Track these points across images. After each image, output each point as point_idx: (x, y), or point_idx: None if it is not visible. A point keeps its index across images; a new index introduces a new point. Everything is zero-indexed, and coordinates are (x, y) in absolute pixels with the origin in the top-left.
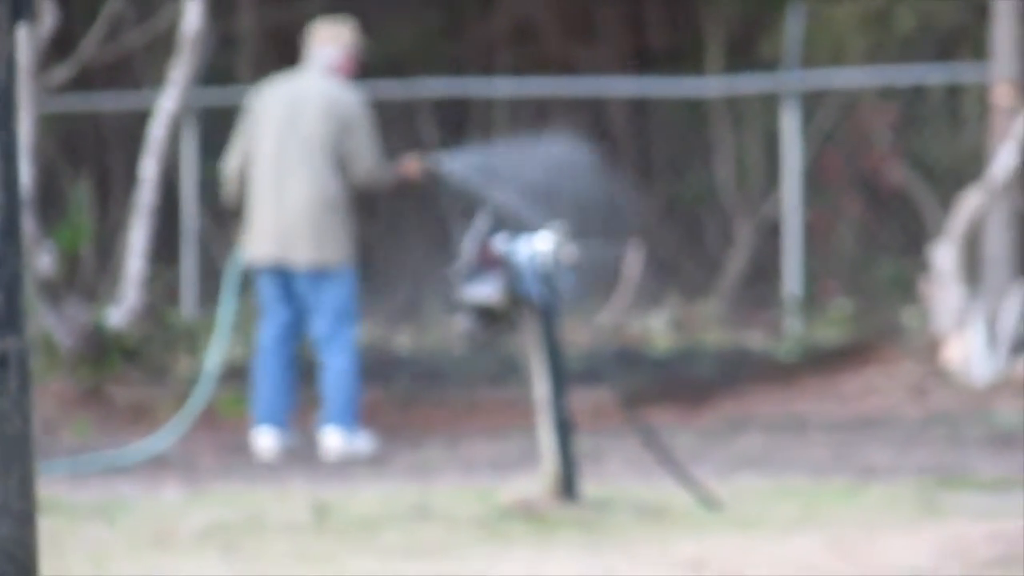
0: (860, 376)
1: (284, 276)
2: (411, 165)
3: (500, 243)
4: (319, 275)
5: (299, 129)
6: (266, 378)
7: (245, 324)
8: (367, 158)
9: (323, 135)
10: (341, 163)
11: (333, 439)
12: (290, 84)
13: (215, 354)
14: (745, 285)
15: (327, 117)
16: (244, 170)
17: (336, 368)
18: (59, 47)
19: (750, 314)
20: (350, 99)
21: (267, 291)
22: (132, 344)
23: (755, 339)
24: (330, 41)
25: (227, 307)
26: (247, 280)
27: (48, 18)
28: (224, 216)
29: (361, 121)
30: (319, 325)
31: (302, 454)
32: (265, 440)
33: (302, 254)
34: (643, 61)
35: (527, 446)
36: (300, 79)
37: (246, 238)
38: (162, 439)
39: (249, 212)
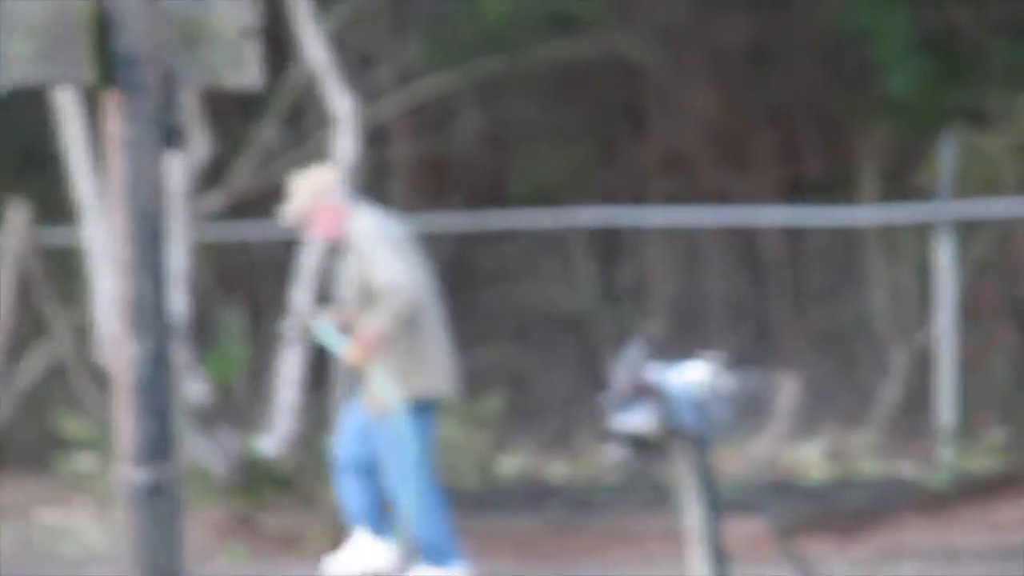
0: (1015, 506)
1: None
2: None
3: (653, 371)
4: None
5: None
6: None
7: None
8: None
9: None
10: None
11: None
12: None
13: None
14: (899, 414)
15: None
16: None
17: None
18: (214, 175)
19: (904, 443)
20: None
21: (434, 428)
22: (284, 473)
23: (909, 468)
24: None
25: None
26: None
27: (200, 146)
28: None
29: None
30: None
31: None
32: None
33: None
34: (796, 190)
35: (680, 575)
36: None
37: (426, 371)
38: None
39: (425, 344)
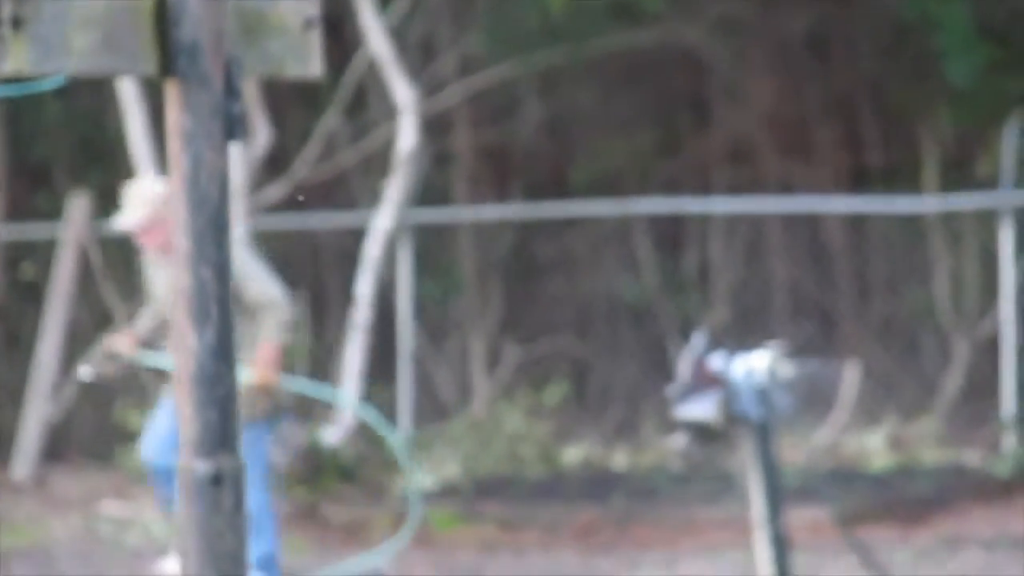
0: None
1: None
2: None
3: (716, 361)
4: None
5: None
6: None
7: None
8: None
9: None
10: None
11: None
12: None
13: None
14: (962, 402)
15: None
16: None
17: None
18: (274, 165)
19: (967, 432)
20: None
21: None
22: (347, 463)
23: (973, 457)
24: None
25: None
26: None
27: (262, 136)
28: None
29: None
30: None
31: None
32: None
33: None
34: (859, 179)
35: (744, 564)
36: None
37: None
38: (376, 556)
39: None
